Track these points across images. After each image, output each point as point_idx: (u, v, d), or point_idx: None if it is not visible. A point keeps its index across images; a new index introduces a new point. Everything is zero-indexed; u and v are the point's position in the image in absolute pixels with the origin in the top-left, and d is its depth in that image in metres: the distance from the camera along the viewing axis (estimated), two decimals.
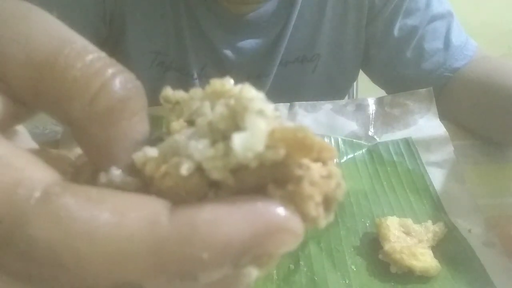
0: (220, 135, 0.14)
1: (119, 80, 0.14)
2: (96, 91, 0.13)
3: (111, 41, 0.68)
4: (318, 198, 0.13)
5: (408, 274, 0.41)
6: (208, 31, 0.67)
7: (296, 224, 0.13)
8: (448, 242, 0.45)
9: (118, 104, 0.14)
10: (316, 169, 0.13)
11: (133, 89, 0.14)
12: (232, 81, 0.15)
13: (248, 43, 0.68)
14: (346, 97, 0.88)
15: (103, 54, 0.14)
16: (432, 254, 0.43)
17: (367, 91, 0.87)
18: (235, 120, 0.13)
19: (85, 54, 0.14)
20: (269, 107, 0.13)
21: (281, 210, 0.12)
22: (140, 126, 0.14)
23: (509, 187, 0.53)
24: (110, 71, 0.14)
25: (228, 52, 0.68)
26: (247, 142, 0.12)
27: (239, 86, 0.14)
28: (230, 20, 0.67)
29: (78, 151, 0.15)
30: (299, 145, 0.13)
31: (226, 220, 0.12)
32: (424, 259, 0.41)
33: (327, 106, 0.64)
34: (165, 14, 0.66)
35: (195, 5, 0.66)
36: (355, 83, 0.93)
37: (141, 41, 0.68)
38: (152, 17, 0.66)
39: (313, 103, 0.64)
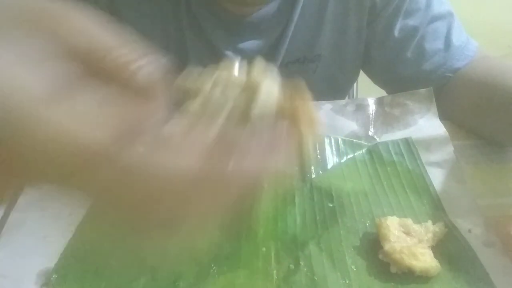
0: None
1: (147, 68, 0.21)
2: (131, 74, 0.20)
3: None
4: (305, 120, 0.26)
5: (408, 274, 0.41)
6: (209, 32, 0.67)
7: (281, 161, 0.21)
8: (448, 242, 0.45)
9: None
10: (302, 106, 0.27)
11: (158, 74, 0.21)
12: (237, 64, 0.22)
13: (249, 44, 0.68)
14: (346, 97, 0.88)
15: (138, 48, 0.21)
16: (432, 254, 0.43)
17: (367, 91, 0.87)
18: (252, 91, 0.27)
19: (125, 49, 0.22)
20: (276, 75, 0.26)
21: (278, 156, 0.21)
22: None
23: (509, 187, 0.53)
24: (142, 60, 0.21)
25: (229, 53, 0.68)
26: (269, 93, 0.27)
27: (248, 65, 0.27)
28: (231, 21, 0.67)
29: None
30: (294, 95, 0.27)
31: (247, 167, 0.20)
32: (424, 259, 0.41)
33: (327, 106, 0.64)
34: (165, 14, 0.66)
35: (195, 5, 0.66)
36: (355, 83, 0.93)
37: (140, 41, 0.68)
38: (152, 17, 0.66)
39: (313, 103, 0.64)
